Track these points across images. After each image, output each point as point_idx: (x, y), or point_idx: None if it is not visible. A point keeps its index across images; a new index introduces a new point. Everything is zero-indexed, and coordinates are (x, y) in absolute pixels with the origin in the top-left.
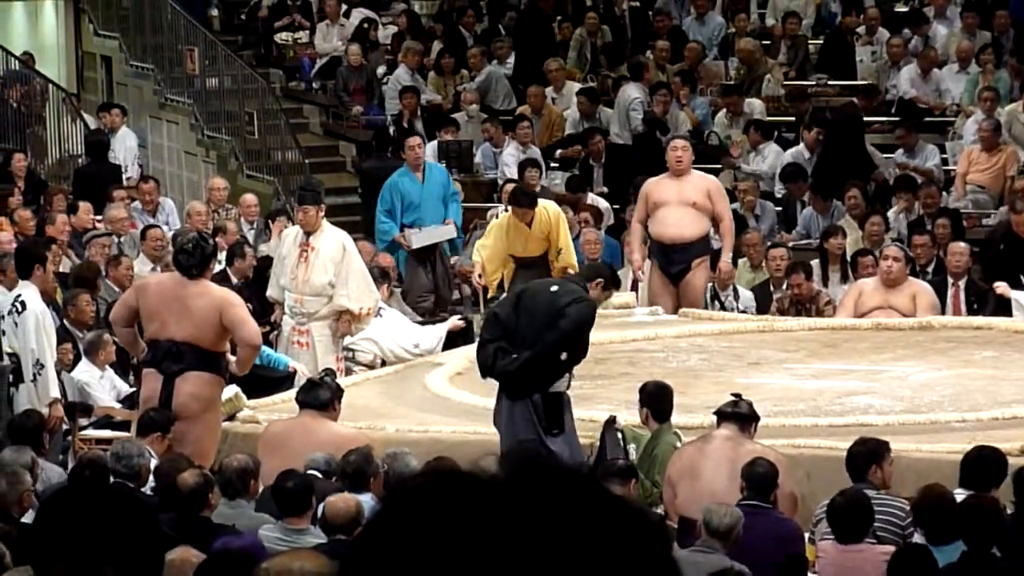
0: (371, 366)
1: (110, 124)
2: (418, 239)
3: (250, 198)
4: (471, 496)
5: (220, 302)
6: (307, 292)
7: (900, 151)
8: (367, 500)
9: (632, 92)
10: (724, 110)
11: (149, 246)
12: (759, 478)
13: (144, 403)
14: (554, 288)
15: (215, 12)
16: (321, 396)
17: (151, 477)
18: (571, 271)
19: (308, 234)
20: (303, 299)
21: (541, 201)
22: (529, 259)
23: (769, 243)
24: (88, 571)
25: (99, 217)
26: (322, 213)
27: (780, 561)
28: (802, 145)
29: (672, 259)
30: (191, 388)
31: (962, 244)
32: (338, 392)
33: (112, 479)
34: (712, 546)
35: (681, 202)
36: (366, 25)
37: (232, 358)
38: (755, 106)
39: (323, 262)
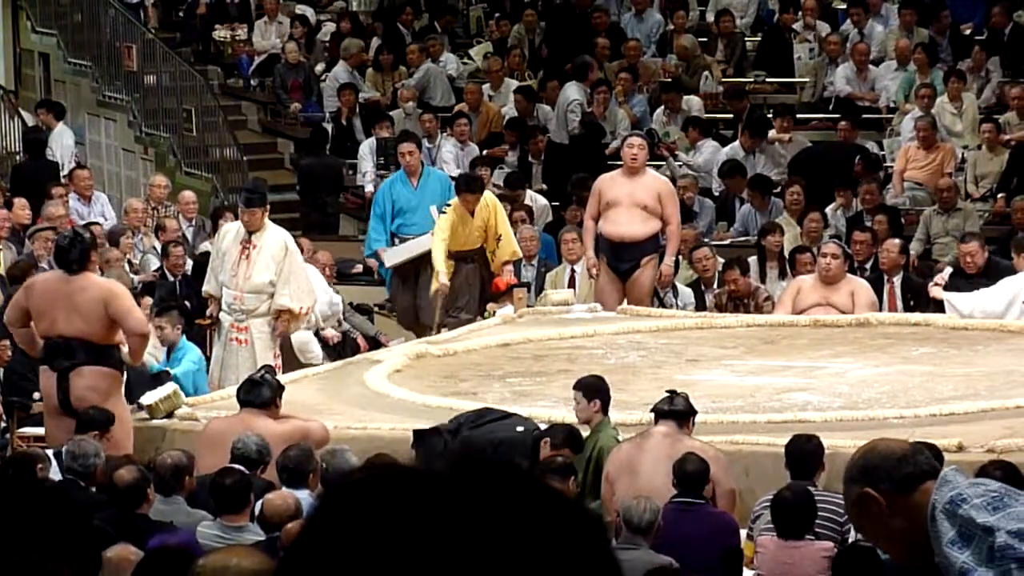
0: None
1: (45, 123)
2: (392, 257)
3: (189, 195)
4: (409, 491)
5: (104, 294)
6: (248, 289)
7: None
8: (305, 496)
9: (571, 93)
10: (662, 107)
11: None
12: (689, 475)
13: (45, 399)
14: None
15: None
16: (263, 395)
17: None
18: (510, 266)
19: (251, 232)
20: (243, 296)
21: (483, 198)
22: (466, 252)
23: (693, 245)
24: (31, 568)
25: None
26: (266, 214)
27: (716, 555)
28: (739, 142)
29: (621, 257)
30: (86, 382)
31: (896, 240)
32: (279, 389)
33: (63, 475)
34: (634, 542)
35: (633, 203)
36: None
37: (125, 349)
38: (693, 103)
39: (265, 260)
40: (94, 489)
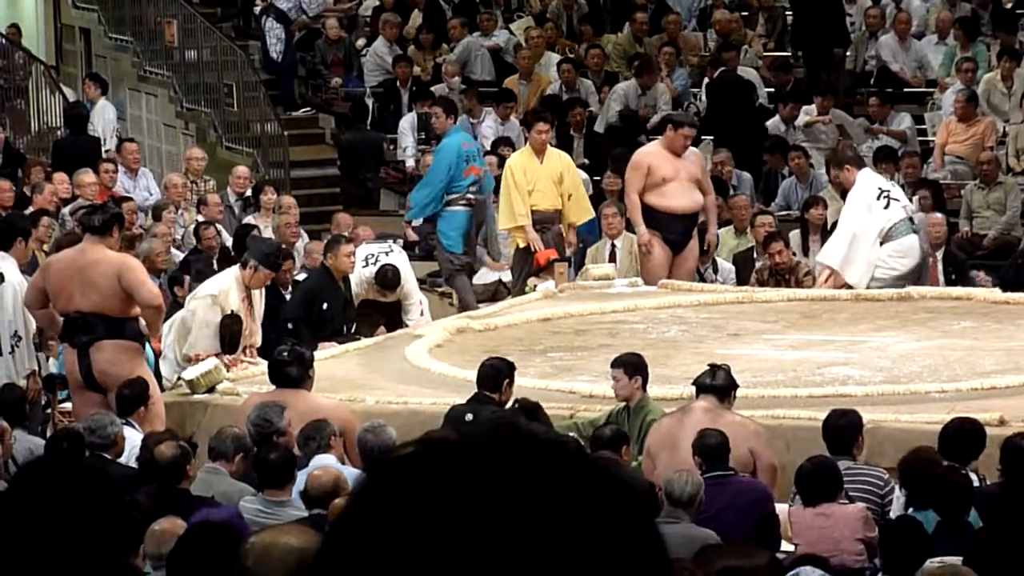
0: None
1: (89, 96)
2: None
3: (242, 170)
4: (456, 466)
5: (117, 267)
6: (254, 343)
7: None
8: (331, 460)
9: (622, 85)
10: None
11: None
12: (711, 449)
13: (69, 376)
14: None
15: None
16: (292, 374)
17: (135, 450)
18: (572, 234)
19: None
20: (254, 351)
21: (553, 149)
22: (542, 215)
23: (758, 208)
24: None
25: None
26: None
27: (752, 524)
28: (778, 117)
29: (679, 230)
30: (107, 356)
31: (939, 215)
32: (309, 362)
33: (88, 452)
34: (677, 516)
35: (687, 177)
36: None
37: (144, 322)
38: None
39: (260, 309)
40: (132, 463)
